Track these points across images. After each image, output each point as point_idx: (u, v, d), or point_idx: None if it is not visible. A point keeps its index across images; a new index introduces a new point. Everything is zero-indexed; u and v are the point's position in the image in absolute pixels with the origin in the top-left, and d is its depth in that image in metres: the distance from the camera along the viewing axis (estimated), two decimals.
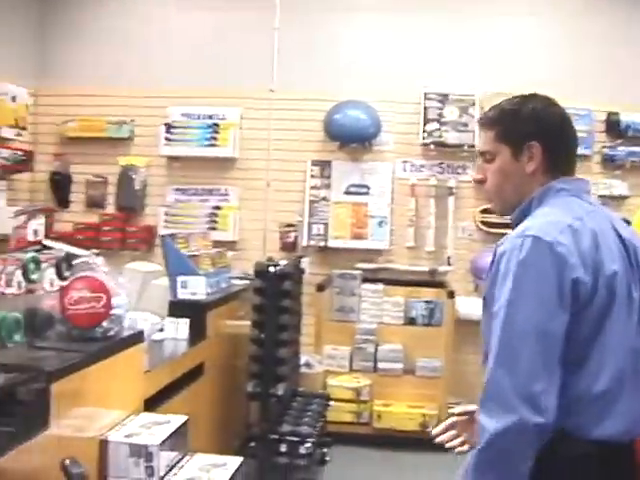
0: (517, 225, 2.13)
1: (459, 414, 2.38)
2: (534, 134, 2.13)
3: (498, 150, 2.17)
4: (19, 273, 2.64)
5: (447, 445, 2.33)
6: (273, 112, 6.57)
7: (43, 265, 2.76)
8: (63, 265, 2.82)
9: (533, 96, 2.24)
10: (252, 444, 5.03)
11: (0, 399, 2.56)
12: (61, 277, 2.83)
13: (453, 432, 2.36)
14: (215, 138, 6.81)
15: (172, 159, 7.00)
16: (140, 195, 7.04)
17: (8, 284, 2.63)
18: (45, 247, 2.97)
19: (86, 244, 6.73)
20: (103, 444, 3.07)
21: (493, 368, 1.93)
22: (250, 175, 6.88)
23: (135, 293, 4.95)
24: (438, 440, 2.36)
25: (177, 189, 7.03)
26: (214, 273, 5.09)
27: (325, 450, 5.58)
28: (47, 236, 6.00)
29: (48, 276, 2.83)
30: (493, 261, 2.06)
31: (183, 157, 6.94)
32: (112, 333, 3.20)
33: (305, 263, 6.22)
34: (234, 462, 3.34)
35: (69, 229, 7.05)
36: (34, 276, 2.70)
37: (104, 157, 7.06)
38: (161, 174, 7.07)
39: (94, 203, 7.15)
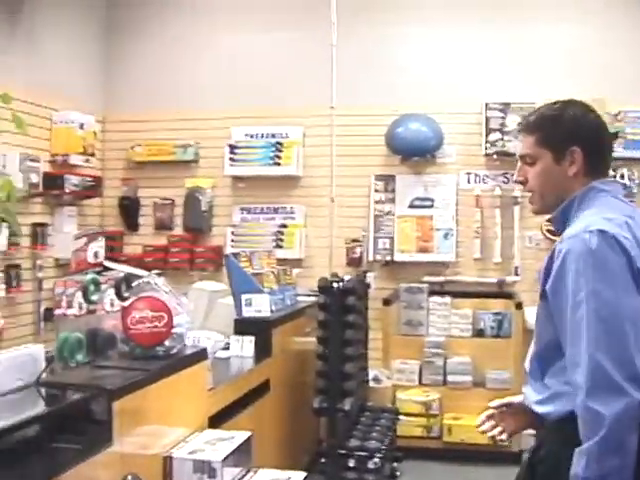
0: (559, 223, 2.27)
1: (497, 407, 2.49)
2: (575, 139, 2.23)
3: (539, 154, 2.26)
4: (79, 294, 2.71)
5: (489, 434, 2.46)
6: (335, 128, 6.61)
7: (103, 286, 2.83)
8: (122, 286, 2.88)
9: (571, 102, 2.33)
10: (322, 460, 5.04)
11: (64, 417, 2.63)
12: (121, 297, 2.89)
13: (492, 422, 2.48)
14: (279, 157, 6.88)
15: (237, 179, 7.09)
16: (207, 216, 7.15)
17: (69, 305, 2.71)
18: (105, 268, 3.04)
19: (155, 266, 6.87)
20: (167, 461, 3.12)
21: (592, 356, 1.98)
22: (314, 192, 6.92)
23: (202, 312, 5.04)
24: (480, 430, 2.48)
25: (243, 209, 7.11)
26: (278, 290, 5.14)
27: (395, 465, 5.57)
28: (116, 259, 6.17)
29: (108, 297, 2.90)
30: (552, 258, 2.15)
31: (248, 177, 7.02)
32: (174, 351, 3.26)
33: (370, 278, 6.23)
34: (298, 477, 3.34)
35: (139, 251, 7.19)
36: (94, 297, 2.77)
37: (171, 180, 7.20)
38: (226, 194, 7.16)
39: (162, 225, 7.28)
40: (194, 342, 3.73)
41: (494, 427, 2.46)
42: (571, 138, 2.23)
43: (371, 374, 6.08)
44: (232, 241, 7.00)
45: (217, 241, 7.16)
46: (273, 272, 5.17)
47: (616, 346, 1.97)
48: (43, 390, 2.68)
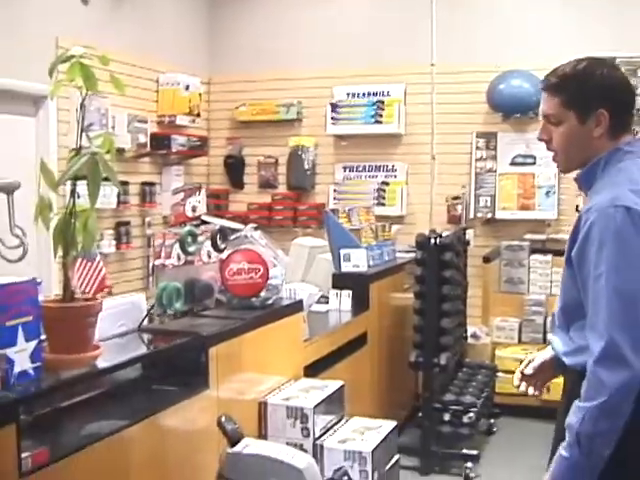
0: (584, 183, 2.31)
1: (533, 373, 2.54)
2: (602, 101, 2.20)
3: (565, 116, 2.24)
4: (177, 246, 2.85)
5: (529, 393, 2.57)
6: (436, 86, 6.59)
7: (200, 238, 2.96)
8: (218, 238, 3.01)
9: (596, 60, 2.28)
10: (419, 414, 5.13)
11: (163, 361, 2.80)
12: (217, 249, 3.02)
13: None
14: (380, 115, 6.91)
15: (339, 138, 7.16)
16: (310, 174, 7.25)
17: (168, 256, 2.86)
18: (204, 222, 3.17)
19: (260, 223, 7.04)
20: (262, 406, 3.28)
21: (607, 329, 2.06)
22: (416, 150, 6.93)
23: (302, 267, 5.17)
24: (520, 390, 2.59)
25: (345, 167, 7.18)
26: (376, 246, 5.22)
27: (492, 421, 5.62)
28: (222, 217, 6.35)
29: (205, 249, 3.03)
30: (578, 227, 2.17)
31: (350, 135, 7.08)
32: (270, 302, 3.40)
33: (470, 235, 6.24)
34: (388, 425, 3.44)
35: (243, 209, 7.36)
36: (191, 248, 2.91)
37: (274, 139, 7.33)
38: (329, 153, 7.25)
39: (266, 183, 7.43)
40: (290, 294, 3.86)
41: (529, 384, 2.56)
42: (598, 100, 2.20)
43: (470, 331, 6.12)
44: (334, 199, 7.08)
45: (320, 199, 7.26)
46: (371, 228, 5.25)
47: (630, 323, 2.04)
48: (144, 335, 2.85)
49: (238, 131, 7.46)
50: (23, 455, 2.01)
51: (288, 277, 5.07)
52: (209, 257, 3.07)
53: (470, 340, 6.11)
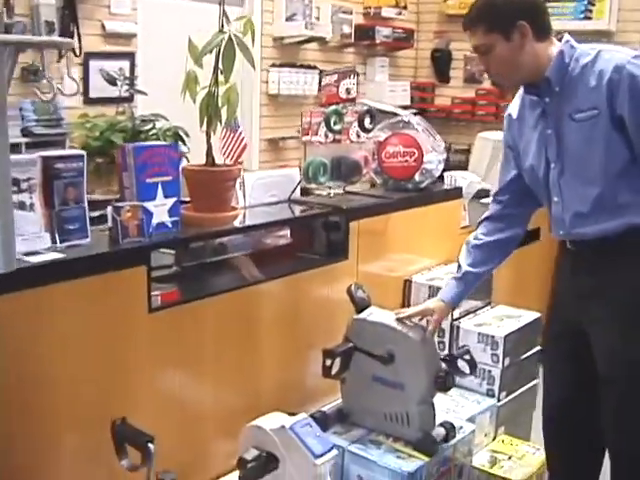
0: (557, 78, 2.34)
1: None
2: (517, 14, 2.31)
3: (491, 40, 2.33)
4: (323, 124, 3.04)
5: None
6: None
7: (347, 118, 3.13)
8: (366, 119, 3.16)
9: None
10: None
11: (300, 229, 3.03)
12: (364, 129, 3.18)
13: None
14: (590, 11, 6.67)
15: None
16: None
17: (315, 133, 3.06)
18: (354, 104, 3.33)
19: (463, 117, 7.13)
20: (406, 284, 3.45)
21: None
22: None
23: (485, 160, 5.21)
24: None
25: None
26: None
27: None
28: (426, 110, 6.45)
29: (355, 128, 3.20)
30: (609, 87, 2.23)
31: (557, 31, 6.86)
32: (423, 186, 3.53)
33: None
34: (530, 316, 3.49)
35: (448, 103, 7.40)
36: (336, 127, 3.08)
37: None
38: None
39: (471, 78, 7.41)
40: (451, 181, 3.97)
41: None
42: (514, 16, 2.30)
43: None
44: None
45: None
46: None
47: None
48: (292, 205, 3.09)
49: (446, 24, 7.44)
50: (153, 293, 2.30)
51: (472, 169, 5.17)
52: (358, 137, 3.23)
53: None
